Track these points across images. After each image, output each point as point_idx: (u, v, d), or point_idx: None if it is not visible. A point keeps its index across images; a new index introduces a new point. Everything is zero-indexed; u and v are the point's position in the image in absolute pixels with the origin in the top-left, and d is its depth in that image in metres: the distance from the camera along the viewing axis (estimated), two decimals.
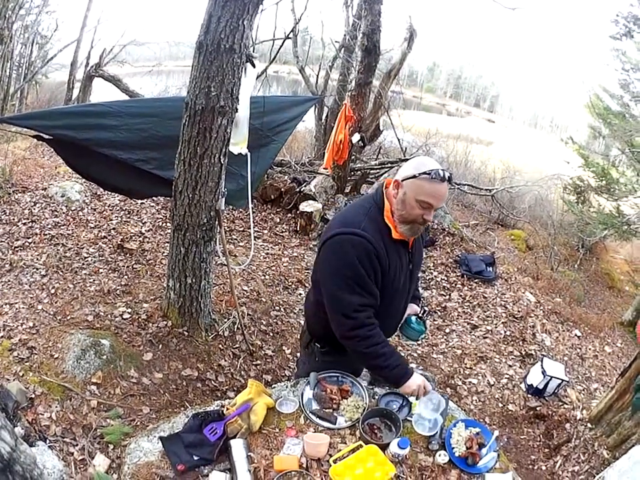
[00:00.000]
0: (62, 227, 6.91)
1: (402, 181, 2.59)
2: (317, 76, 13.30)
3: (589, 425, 4.96)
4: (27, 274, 5.69)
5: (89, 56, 15.25)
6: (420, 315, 3.03)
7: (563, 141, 12.62)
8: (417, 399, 2.75)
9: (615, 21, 10.40)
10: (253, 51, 4.68)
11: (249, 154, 4.61)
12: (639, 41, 10.29)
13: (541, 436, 5.18)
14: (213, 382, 4.74)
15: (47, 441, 3.49)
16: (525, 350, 6.45)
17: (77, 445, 3.61)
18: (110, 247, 6.62)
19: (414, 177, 2.53)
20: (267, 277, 6.87)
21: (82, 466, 3.47)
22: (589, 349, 7.07)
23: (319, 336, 3.11)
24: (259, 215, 8.68)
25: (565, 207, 12.83)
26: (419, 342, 3.05)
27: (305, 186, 9.05)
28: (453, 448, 2.64)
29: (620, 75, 11.14)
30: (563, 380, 5.49)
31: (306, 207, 8.40)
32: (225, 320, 5.39)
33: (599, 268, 12.12)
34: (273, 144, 5.53)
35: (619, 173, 11.68)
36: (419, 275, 3.45)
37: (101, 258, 6.34)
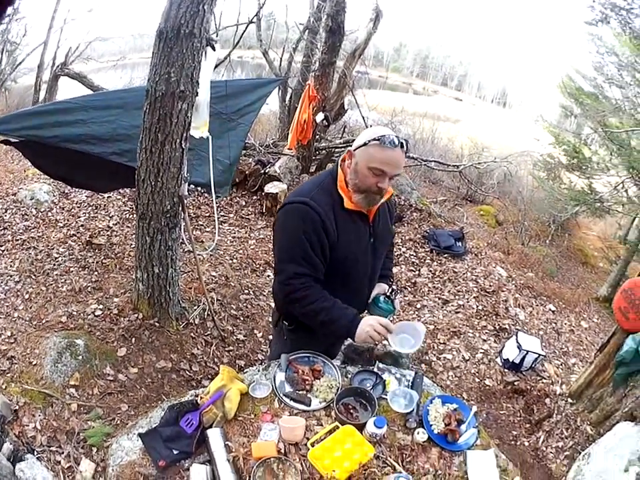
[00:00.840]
0: (32, 230, 6.87)
1: (354, 150, 2.57)
2: (281, 59, 13.28)
3: (569, 400, 4.98)
4: (1, 282, 5.66)
5: (55, 56, 15.11)
6: (388, 294, 2.92)
7: (533, 119, 12.70)
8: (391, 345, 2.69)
9: (591, 6, 10.42)
10: (216, 36, 4.64)
11: (210, 137, 4.57)
12: (615, 27, 10.32)
13: (521, 411, 5.19)
14: (187, 372, 4.73)
15: (35, 453, 3.47)
16: (498, 324, 6.48)
17: (62, 452, 3.59)
18: (79, 245, 6.59)
19: (365, 144, 2.51)
20: (235, 260, 6.87)
21: (70, 474, 3.45)
22: (565, 324, 7.12)
23: (286, 313, 3.09)
24: (224, 199, 8.60)
25: (535, 183, 12.94)
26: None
27: (270, 167, 9.02)
28: (432, 425, 2.62)
29: (594, 57, 11.20)
30: (539, 354, 5.53)
31: (271, 188, 8.41)
32: (195, 307, 5.38)
33: (572, 244, 12.24)
34: (240, 127, 5.50)
35: (591, 151, 11.78)
36: (392, 254, 3.39)
37: (71, 257, 6.30)
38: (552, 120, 13.50)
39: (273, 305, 3.41)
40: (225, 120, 5.28)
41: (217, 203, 5.91)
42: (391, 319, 2.88)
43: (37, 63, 15.42)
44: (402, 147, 2.48)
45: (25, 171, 8.66)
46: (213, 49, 4.22)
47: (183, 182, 4.43)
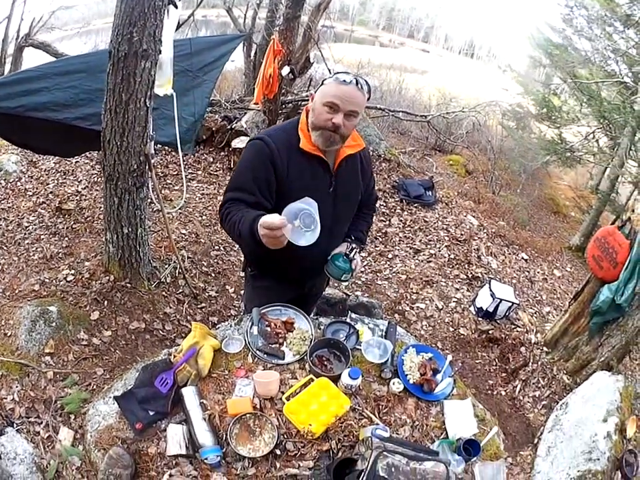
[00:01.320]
0: (2, 202, 6.77)
1: (315, 92, 2.61)
2: (245, 16, 13.09)
3: (544, 348, 5.07)
4: None
5: (19, 29, 14.83)
6: (347, 252, 2.86)
7: (501, 69, 12.69)
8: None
9: None
10: None
11: (174, 94, 4.51)
12: None
13: (497, 360, 5.27)
14: (160, 332, 4.73)
15: (14, 425, 3.44)
16: (471, 273, 6.55)
17: (41, 422, 3.57)
18: (49, 212, 6.51)
19: (322, 84, 2.57)
20: (204, 217, 6.85)
21: (49, 444, 3.42)
22: (538, 272, 7.21)
23: (249, 260, 3.15)
24: (192, 156, 8.52)
25: (504, 132, 12.93)
26: (345, 281, 2.91)
27: (236, 123, 8.93)
28: (407, 375, 2.65)
29: (563, 10, 11.15)
30: (513, 302, 5.59)
31: (238, 143, 8.34)
32: (166, 266, 5.36)
33: (543, 193, 12.28)
34: (205, 84, 5.43)
35: (560, 101, 11.80)
36: (370, 218, 3.30)
37: (41, 224, 6.25)
38: (520, 70, 13.49)
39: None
40: (190, 77, 5.22)
41: (184, 161, 5.85)
42: (348, 278, 2.86)
43: (1, 37, 15.15)
44: (357, 84, 2.50)
45: None
46: (175, 6, 4.14)
47: (148, 140, 4.37)
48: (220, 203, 2.73)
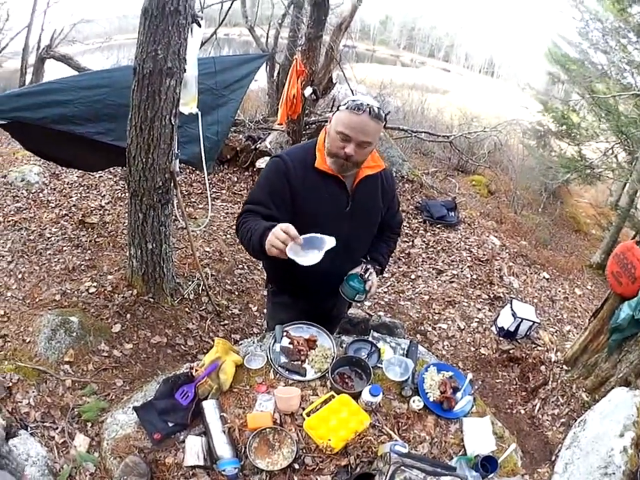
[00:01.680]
0: (24, 212, 6.82)
1: (332, 114, 2.58)
2: (267, 35, 13.09)
3: (564, 367, 5.03)
4: None
5: (40, 39, 14.95)
6: (361, 273, 2.83)
7: (520, 87, 12.65)
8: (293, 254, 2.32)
9: None
10: (201, 14, 4.59)
11: (199, 113, 4.55)
12: None
13: (517, 379, 5.24)
14: (182, 346, 4.75)
15: (29, 429, 3.46)
16: (493, 293, 6.52)
17: (56, 427, 3.59)
18: (72, 224, 6.56)
19: (337, 109, 2.54)
20: (228, 236, 6.86)
21: (64, 449, 3.44)
22: (559, 291, 7.15)
23: (269, 276, 3.21)
24: (216, 175, 8.62)
25: (525, 151, 12.90)
26: (358, 301, 2.90)
27: (261, 143, 9.00)
28: (427, 393, 2.64)
29: (578, 23, 11.13)
30: (534, 322, 5.55)
31: (262, 163, 8.39)
32: (189, 283, 5.39)
33: (564, 212, 12.22)
34: (230, 102, 5.45)
35: (579, 117, 11.76)
36: (393, 241, 3.28)
37: (63, 236, 6.28)
38: (540, 87, 13.49)
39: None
40: (215, 96, 5.25)
41: (209, 180, 5.89)
42: (362, 299, 2.85)
43: (22, 46, 15.30)
44: (370, 113, 2.44)
45: (14, 154, 8.58)
46: (199, 25, 4.19)
47: (173, 158, 4.43)
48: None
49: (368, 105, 2.44)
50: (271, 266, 3.12)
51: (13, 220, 6.54)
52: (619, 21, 9.80)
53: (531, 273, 7.36)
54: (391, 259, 3.02)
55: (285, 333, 2.93)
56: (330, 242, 2.34)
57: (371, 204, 2.88)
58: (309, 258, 2.31)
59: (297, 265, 2.32)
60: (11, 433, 3.26)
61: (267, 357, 2.79)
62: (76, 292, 5.07)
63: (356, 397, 2.53)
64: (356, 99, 2.49)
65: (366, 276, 2.81)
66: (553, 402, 4.77)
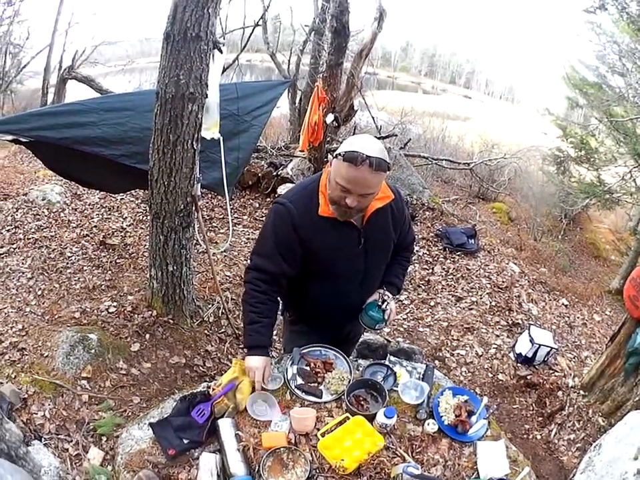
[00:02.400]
0: (45, 230, 6.93)
1: (333, 159, 2.51)
2: (289, 61, 13.20)
3: (581, 392, 4.98)
4: (13, 279, 5.72)
5: (62, 60, 15.17)
6: (379, 303, 2.85)
7: (540, 113, 12.63)
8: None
9: None
10: (223, 40, 4.67)
11: (221, 138, 4.58)
12: (614, 14, 10.28)
13: (534, 405, 5.19)
14: (200, 367, 4.76)
15: (42, 440, 3.50)
16: (511, 319, 6.48)
17: (71, 440, 3.62)
18: (93, 245, 6.64)
19: (336, 157, 2.43)
20: (249, 261, 6.81)
21: (77, 461, 3.49)
22: (578, 318, 7.11)
23: (286, 305, 3.21)
24: (238, 201, 8.68)
25: (545, 178, 12.88)
26: (378, 330, 2.94)
27: (282, 169, 9.05)
28: (442, 416, 2.63)
29: (595, 46, 11.15)
30: (551, 347, 5.52)
31: (283, 189, 8.38)
32: (209, 306, 5.43)
33: (584, 238, 12.18)
34: (253, 128, 5.48)
35: (598, 142, 11.73)
36: (406, 261, 3.23)
37: (84, 256, 6.36)
38: (559, 112, 13.44)
39: None
40: (238, 121, 5.30)
41: (230, 205, 5.95)
42: (382, 327, 2.89)
43: (43, 66, 15.50)
44: (370, 165, 2.32)
45: (35, 172, 8.73)
46: (220, 51, 4.23)
47: (195, 182, 4.48)
48: (246, 265, 2.88)
49: (367, 157, 2.32)
50: (290, 297, 3.09)
51: (33, 238, 6.65)
52: (635, 42, 9.81)
53: (550, 300, 7.32)
54: (410, 285, 3.01)
55: (302, 356, 2.94)
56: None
57: (384, 236, 2.84)
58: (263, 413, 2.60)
59: (317, 302, 2.64)
60: (24, 443, 3.29)
61: (284, 378, 2.80)
62: (95, 310, 5.12)
63: (371, 418, 2.53)
64: (354, 149, 2.35)
65: (384, 306, 2.83)
66: (569, 427, 4.72)
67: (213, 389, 2.66)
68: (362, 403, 2.67)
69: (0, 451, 2.06)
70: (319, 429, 2.48)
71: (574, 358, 5.92)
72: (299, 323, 3.20)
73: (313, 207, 2.60)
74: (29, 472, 2.14)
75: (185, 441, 2.44)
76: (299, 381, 2.79)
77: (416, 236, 8.13)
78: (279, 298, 2.97)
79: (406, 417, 2.66)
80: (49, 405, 3.82)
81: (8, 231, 6.78)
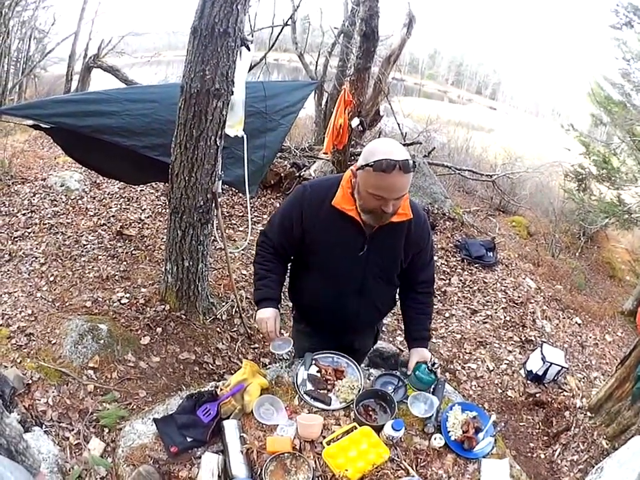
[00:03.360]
0: (61, 216, 6.96)
1: (357, 170, 2.48)
2: (317, 63, 13.20)
3: (588, 413, 4.95)
4: (26, 263, 5.76)
5: (87, 48, 15.30)
6: (430, 366, 2.78)
7: (564, 128, 12.53)
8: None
9: (615, 10, 10.31)
10: (251, 37, 4.65)
11: (245, 136, 4.56)
12: (639, 31, 10.23)
13: (540, 423, 5.16)
14: (210, 365, 4.75)
15: (43, 426, 3.51)
16: (524, 336, 6.45)
17: (72, 429, 3.63)
18: (109, 234, 6.66)
19: (362, 167, 2.41)
20: None
21: (77, 450, 3.49)
22: (590, 337, 7.07)
23: (290, 296, 3.30)
24: (259, 200, 8.65)
25: (566, 194, 12.80)
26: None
27: (305, 171, 9.08)
28: (449, 431, 2.61)
29: (620, 64, 11.06)
30: (562, 367, 5.48)
31: None
32: (223, 304, 5.42)
33: (600, 256, 12.08)
34: (280, 127, 5.47)
35: (619, 161, 11.64)
36: (427, 306, 3.10)
37: (100, 245, 6.38)
38: (583, 129, 13.34)
39: None
40: (266, 120, 5.28)
41: (250, 203, 5.94)
42: (432, 388, 2.83)
43: (68, 53, 15.62)
44: (400, 169, 2.30)
45: (55, 158, 8.77)
46: (248, 49, 4.22)
47: (217, 179, 4.47)
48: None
49: (395, 161, 2.30)
50: (294, 295, 3.20)
51: (49, 223, 6.69)
52: None
53: (564, 318, 7.28)
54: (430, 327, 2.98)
55: (314, 361, 2.92)
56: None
57: (390, 252, 2.79)
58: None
59: (316, 298, 2.74)
60: (24, 429, 3.30)
61: (294, 383, 2.78)
62: (107, 301, 5.14)
63: (378, 429, 2.51)
64: (382, 157, 2.32)
65: (435, 369, 2.79)
66: (573, 448, 4.69)
67: (221, 389, 2.65)
68: (370, 413, 2.65)
69: None
70: (324, 437, 2.46)
71: (583, 378, 5.88)
72: (301, 321, 3.25)
73: (328, 195, 2.63)
74: (28, 467, 2.12)
75: (188, 439, 2.43)
76: (309, 386, 2.77)
77: (435, 245, 8.14)
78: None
79: (413, 429, 2.64)
80: (53, 392, 3.84)
81: (24, 214, 6.83)
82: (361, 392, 2.72)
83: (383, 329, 5.53)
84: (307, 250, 2.77)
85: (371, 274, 2.80)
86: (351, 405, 2.63)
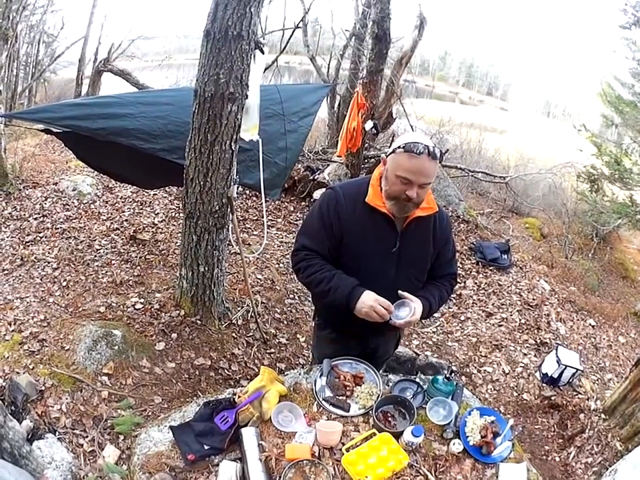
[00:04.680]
0: (74, 221, 6.96)
1: (387, 157, 2.59)
2: (329, 65, 13.20)
3: (602, 415, 4.93)
4: (38, 268, 5.76)
5: (97, 52, 15.37)
6: (447, 375, 2.84)
7: (576, 129, 12.48)
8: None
9: (624, 10, 10.27)
10: (263, 40, 4.64)
11: (260, 140, 4.54)
12: None
13: (555, 426, 5.15)
14: (226, 371, 4.74)
15: (57, 433, 3.50)
16: (539, 338, 6.41)
17: (86, 436, 3.63)
18: (122, 239, 6.65)
19: (393, 152, 2.52)
20: (282, 265, 6.86)
21: (91, 457, 3.49)
22: (603, 339, 7.03)
23: (317, 309, 3.28)
24: (273, 203, 8.65)
25: (578, 195, 12.75)
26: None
27: (319, 174, 9.04)
28: (468, 437, 2.61)
29: (630, 63, 11.01)
30: (577, 369, 5.46)
31: (319, 194, 8.27)
32: (239, 308, 5.40)
33: (613, 257, 12.02)
34: (300, 129, 5.48)
35: (631, 162, 11.57)
36: (444, 287, 3.06)
37: (113, 250, 6.38)
38: (594, 129, 13.29)
39: None
40: (285, 122, 5.28)
41: (265, 207, 5.93)
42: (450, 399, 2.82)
43: (78, 57, 15.67)
44: (429, 154, 2.44)
45: (66, 162, 8.78)
46: (262, 52, 4.21)
47: (232, 183, 4.45)
48: (293, 246, 2.90)
49: (426, 145, 2.44)
50: (319, 300, 3.15)
51: (61, 228, 6.70)
52: None
53: (578, 320, 7.24)
54: (436, 306, 2.91)
55: (332, 367, 2.91)
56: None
57: (421, 247, 2.84)
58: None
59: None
60: (37, 435, 3.30)
61: (312, 389, 2.78)
62: (121, 306, 5.13)
63: (397, 435, 2.50)
64: (413, 140, 2.47)
65: (452, 378, 2.83)
66: (587, 450, 4.67)
67: (239, 397, 2.64)
68: (389, 419, 2.64)
69: (3, 450, 2.04)
70: (344, 444, 2.45)
71: (597, 380, 5.86)
72: (326, 328, 3.19)
73: (360, 195, 2.70)
74: (32, 471, 2.12)
75: (206, 447, 2.42)
76: (327, 393, 2.75)
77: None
78: None
79: (432, 435, 2.63)
80: (67, 398, 3.84)
81: (35, 219, 6.84)
82: (380, 398, 2.71)
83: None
84: (343, 250, 2.77)
85: (403, 271, 2.81)
86: (370, 411, 2.63)
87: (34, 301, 5.06)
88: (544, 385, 5.58)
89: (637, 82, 11.31)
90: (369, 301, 2.59)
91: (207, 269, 4.78)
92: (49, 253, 6.06)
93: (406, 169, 2.46)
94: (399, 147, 2.49)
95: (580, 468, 4.54)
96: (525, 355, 6.10)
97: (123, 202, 7.70)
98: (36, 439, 3.27)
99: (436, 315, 6.68)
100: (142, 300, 5.22)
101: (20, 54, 15.27)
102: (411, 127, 10.39)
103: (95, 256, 6.16)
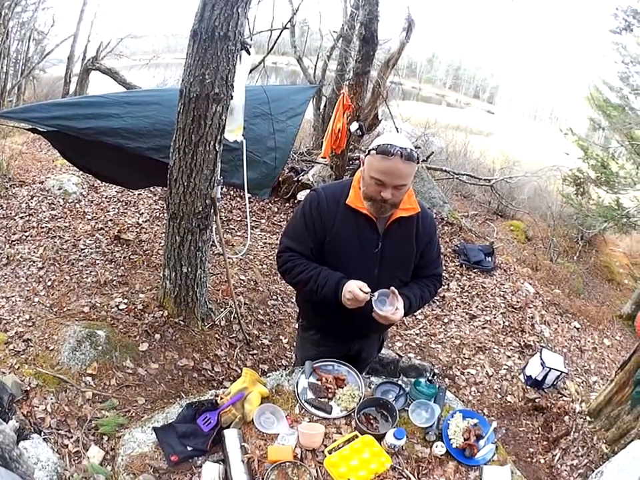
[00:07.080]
0: (59, 220, 6.92)
1: (365, 157, 2.60)
2: (315, 66, 13.22)
3: (588, 417, 4.95)
4: (23, 267, 5.72)
5: (86, 50, 15.37)
6: (429, 378, 2.88)
7: (562, 132, 12.54)
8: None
9: (615, 14, 10.35)
10: (250, 41, 4.63)
11: (244, 141, 4.53)
12: (639, 35, 10.23)
13: (540, 428, 5.17)
14: (209, 372, 4.72)
15: (42, 434, 3.48)
16: (523, 341, 6.44)
17: (71, 437, 3.61)
18: (107, 239, 6.62)
19: (369, 153, 2.54)
20: (265, 266, 6.85)
21: (76, 458, 3.47)
22: (588, 341, 7.07)
23: (301, 310, 3.29)
24: (257, 204, 8.65)
25: (564, 198, 12.82)
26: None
27: (303, 175, 9.05)
28: (451, 439, 2.62)
29: (619, 67, 11.09)
30: (561, 372, 5.47)
31: (303, 196, 8.27)
32: (222, 310, 5.38)
33: (598, 260, 12.10)
34: (289, 129, 5.47)
35: (618, 165, 11.64)
36: (427, 286, 3.05)
37: (97, 249, 6.34)
38: (581, 133, 13.36)
39: None
40: (273, 121, 5.27)
41: (249, 208, 5.92)
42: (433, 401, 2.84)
43: (67, 54, 15.64)
44: (401, 156, 2.43)
45: (53, 161, 8.75)
46: (248, 53, 4.21)
47: (215, 184, 4.44)
48: (277, 248, 2.90)
49: (399, 148, 2.44)
50: (304, 301, 3.17)
51: (47, 227, 6.65)
52: None
53: (562, 322, 7.28)
54: (417, 305, 2.90)
55: (314, 369, 2.92)
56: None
57: (403, 247, 2.84)
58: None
59: (328, 304, 2.63)
60: (22, 436, 3.28)
61: (295, 391, 2.78)
62: (105, 306, 5.10)
63: (379, 438, 2.51)
64: (386, 142, 2.48)
65: (435, 380, 2.87)
66: (573, 452, 4.69)
67: (221, 398, 2.64)
68: (372, 421, 2.65)
69: None
70: (326, 446, 2.46)
71: (582, 382, 5.89)
72: (310, 329, 3.20)
73: (342, 196, 2.73)
74: (22, 474, 2.11)
75: (189, 448, 2.43)
76: (309, 395, 2.76)
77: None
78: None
79: (415, 437, 2.64)
80: (51, 399, 3.81)
81: (21, 218, 6.79)
82: (362, 400, 2.71)
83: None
84: (326, 251, 2.78)
85: (387, 272, 2.81)
86: (352, 414, 2.63)
87: (19, 301, 5.04)
88: (528, 387, 5.60)
89: (625, 85, 11.38)
90: (350, 287, 2.59)
91: (190, 269, 4.77)
92: (34, 252, 6.03)
93: (379, 171, 2.48)
94: (373, 149, 2.51)
95: (565, 470, 4.55)
96: (509, 357, 6.12)
97: (107, 201, 7.67)
98: (22, 440, 3.25)
99: (419, 317, 6.71)
100: (126, 300, 5.19)
101: (10, 51, 15.21)
102: (397, 128, 10.39)
103: (80, 255, 6.13)
